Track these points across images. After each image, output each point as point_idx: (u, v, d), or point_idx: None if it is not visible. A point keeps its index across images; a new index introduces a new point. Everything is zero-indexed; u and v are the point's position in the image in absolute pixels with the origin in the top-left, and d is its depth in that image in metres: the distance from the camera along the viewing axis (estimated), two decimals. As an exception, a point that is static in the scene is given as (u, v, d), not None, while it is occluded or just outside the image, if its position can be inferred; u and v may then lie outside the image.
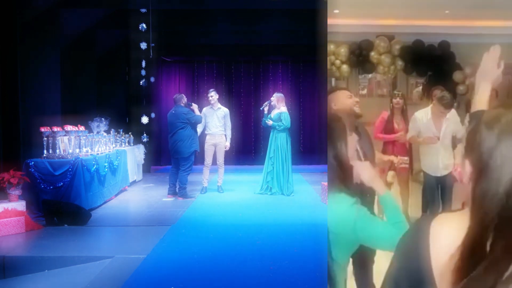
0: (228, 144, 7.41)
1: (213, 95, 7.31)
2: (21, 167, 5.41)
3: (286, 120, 7.07)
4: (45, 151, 5.69)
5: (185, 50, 11.27)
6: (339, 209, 1.72)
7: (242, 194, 7.27)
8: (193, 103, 7.10)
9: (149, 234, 4.80)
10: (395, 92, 5.22)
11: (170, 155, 7.20)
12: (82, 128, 6.21)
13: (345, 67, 7.54)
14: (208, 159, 7.32)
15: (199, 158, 7.49)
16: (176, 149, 6.82)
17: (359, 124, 2.89)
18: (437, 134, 4.29)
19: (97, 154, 6.38)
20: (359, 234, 1.71)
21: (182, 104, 6.88)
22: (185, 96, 7.09)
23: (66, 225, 5.17)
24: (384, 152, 4.78)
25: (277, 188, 7.13)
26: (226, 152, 7.49)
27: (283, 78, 11.88)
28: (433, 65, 7.56)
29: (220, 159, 7.34)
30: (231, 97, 11.53)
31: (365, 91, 8.64)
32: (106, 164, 6.48)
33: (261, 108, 7.49)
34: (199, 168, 7.42)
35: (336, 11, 5.55)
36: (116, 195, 7.07)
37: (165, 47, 10.34)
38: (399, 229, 1.68)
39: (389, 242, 1.63)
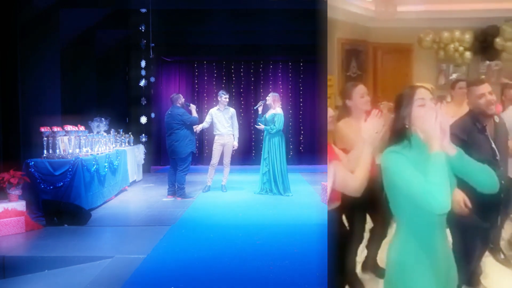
0: (236, 143, 7.48)
1: (228, 97, 7.46)
2: (21, 167, 5.41)
3: (279, 122, 7.06)
4: (45, 151, 5.69)
5: (185, 50, 11.27)
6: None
7: (242, 194, 7.28)
8: (191, 104, 7.11)
9: (149, 234, 4.80)
10: (507, 81, 3.97)
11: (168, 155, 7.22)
12: (82, 128, 6.20)
13: (468, 54, 7.20)
14: (215, 158, 7.38)
15: (203, 159, 7.45)
16: (172, 149, 6.83)
17: (499, 125, 2.60)
18: None
19: (97, 154, 6.38)
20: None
21: (179, 105, 6.87)
22: (182, 96, 7.08)
23: (66, 225, 5.17)
24: None
25: (274, 188, 7.14)
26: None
27: (283, 78, 11.88)
28: None
29: (227, 159, 7.41)
30: (231, 97, 11.46)
31: (483, 78, 8.44)
32: (106, 164, 6.48)
33: (255, 108, 7.53)
34: (199, 168, 7.41)
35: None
36: (116, 195, 7.07)
37: (165, 47, 10.35)
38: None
39: None
